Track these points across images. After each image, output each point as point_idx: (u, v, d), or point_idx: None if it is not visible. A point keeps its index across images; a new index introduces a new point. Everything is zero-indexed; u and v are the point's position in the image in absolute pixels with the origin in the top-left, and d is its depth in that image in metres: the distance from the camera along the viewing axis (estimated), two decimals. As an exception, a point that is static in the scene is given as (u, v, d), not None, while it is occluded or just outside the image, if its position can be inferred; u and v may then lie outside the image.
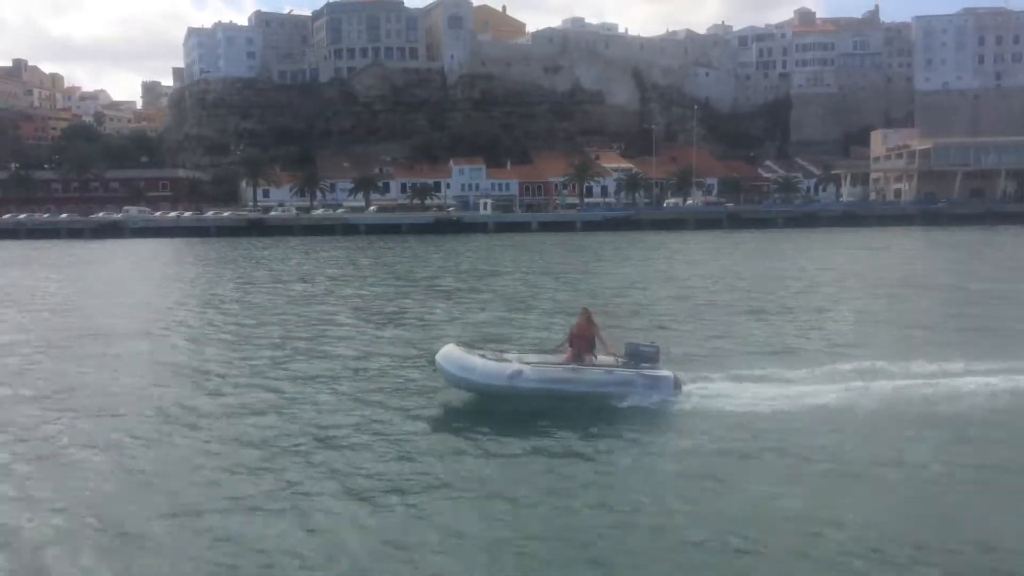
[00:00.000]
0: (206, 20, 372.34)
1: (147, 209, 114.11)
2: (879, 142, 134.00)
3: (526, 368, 14.24)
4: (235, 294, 36.24)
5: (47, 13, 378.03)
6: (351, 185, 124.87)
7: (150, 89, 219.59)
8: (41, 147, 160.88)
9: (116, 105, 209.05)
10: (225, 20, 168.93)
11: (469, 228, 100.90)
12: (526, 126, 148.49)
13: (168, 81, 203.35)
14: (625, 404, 13.99)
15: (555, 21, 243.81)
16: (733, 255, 57.44)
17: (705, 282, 37.64)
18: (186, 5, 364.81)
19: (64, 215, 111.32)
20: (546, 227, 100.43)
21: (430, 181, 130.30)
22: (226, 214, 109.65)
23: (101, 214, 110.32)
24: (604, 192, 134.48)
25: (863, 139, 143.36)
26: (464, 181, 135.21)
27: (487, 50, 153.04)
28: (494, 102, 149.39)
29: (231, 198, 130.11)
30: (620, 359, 14.61)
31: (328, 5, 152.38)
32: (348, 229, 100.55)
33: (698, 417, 13.58)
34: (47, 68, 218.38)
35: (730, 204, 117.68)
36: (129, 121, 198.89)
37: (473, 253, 64.64)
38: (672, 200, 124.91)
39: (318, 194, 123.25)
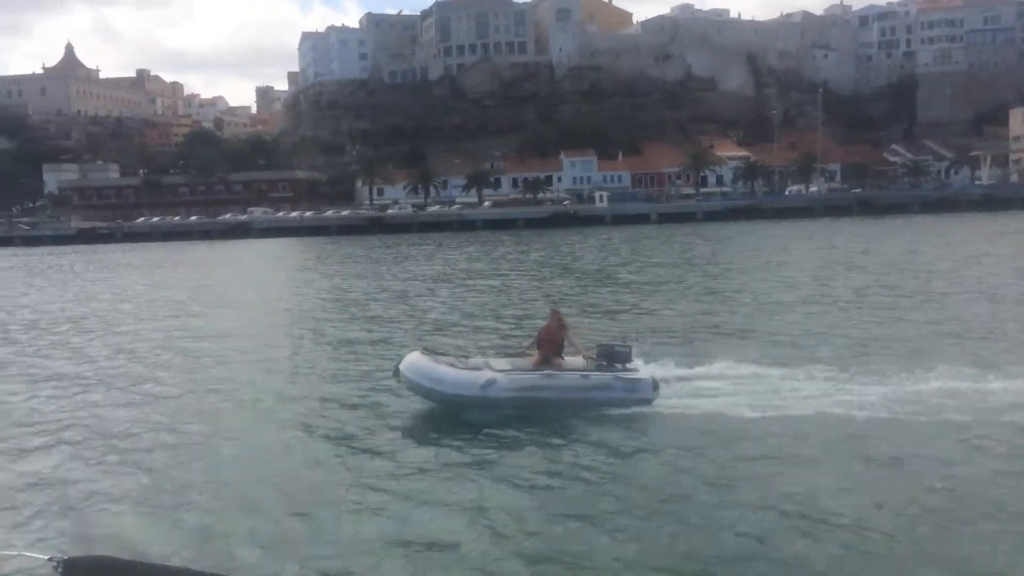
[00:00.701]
0: (313, 25, 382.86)
1: (270, 210, 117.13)
2: (1019, 121, 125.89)
3: (500, 376, 13.30)
4: (419, 288, 35.77)
5: (162, 26, 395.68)
6: (463, 181, 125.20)
7: (263, 94, 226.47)
8: (166, 153, 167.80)
9: (233, 111, 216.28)
10: (332, 23, 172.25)
11: (586, 221, 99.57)
12: (637, 117, 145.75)
13: (280, 85, 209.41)
14: (603, 409, 13.12)
15: (663, 9, 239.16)
16: (899, 241, 53.97)
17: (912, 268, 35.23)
18: (293, 11, 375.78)
19: (193, 217, 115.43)
20: (666, 218, 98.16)
21: (541, 175, 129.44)
22: (345, 213, 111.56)
23: (228, 216, 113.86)
24: (720, 181, 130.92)
25: (997, 118, 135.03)
26: (575, 174, 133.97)
27: (595, 42, 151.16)
28: (603, 93, 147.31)
29: (347, 197, 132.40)
30: (593, 361, 13.76)
31: (437, 4, 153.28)
32: (464, 225, 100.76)
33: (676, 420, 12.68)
34: (166, 78, 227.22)
35: (856, 190, 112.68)
36: (245, 126, 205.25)
37: (617, 244, 63.09)
38: (794, 188, 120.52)
39: (431, 191, 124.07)
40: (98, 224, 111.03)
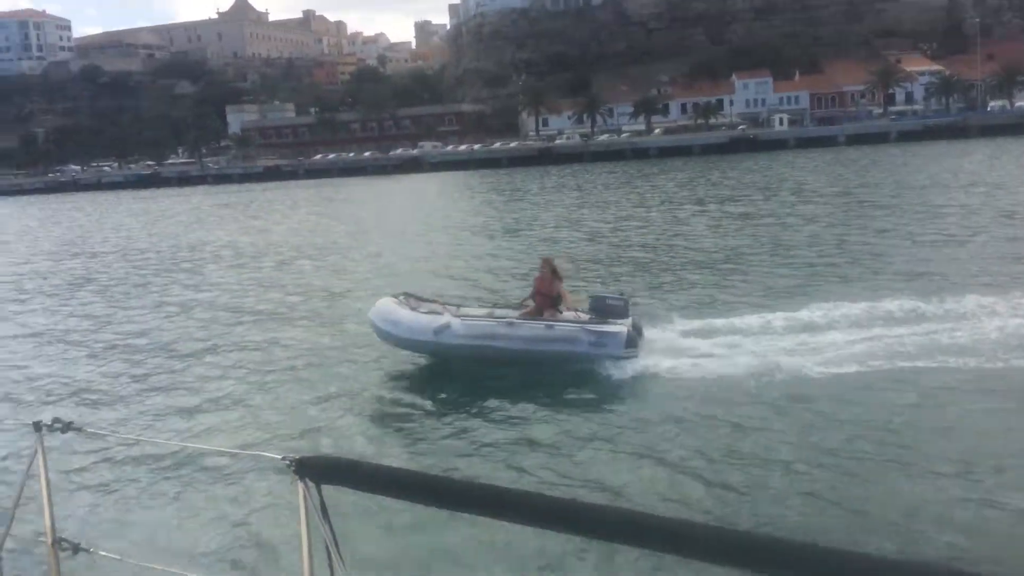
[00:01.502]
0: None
1: (439, 144, 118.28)
2: None
3: (454, 322, 12.38)
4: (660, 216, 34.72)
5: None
6: (630, 109, 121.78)
7: (422, 28, 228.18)
8: (334, 91, 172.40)
9: (394, 47, 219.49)
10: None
11: (766, 146, 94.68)
12: (814, 32, 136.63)
13: (438, 19, 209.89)
14: (569, 363, 11.93)
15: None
16: None
17: None
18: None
19: (367, 153, 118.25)
20: (855, 140, 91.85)
21: (712, 99, 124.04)
22: (513, 145, 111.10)
23: (399, 151, 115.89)
24: (909, 99, 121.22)
25: None
26: (749, 96, 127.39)
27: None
28: (777, 9, 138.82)
29: (511, 129, 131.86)
30: (584, 314, 12.59)
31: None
32: (637, 153, 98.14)
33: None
34: (330, 17, 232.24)
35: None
36: (406, 61, 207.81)
37: (822, 169, 59.55)
38: (995, 103, 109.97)
39: (597, 120, 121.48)
40: (281, 162, 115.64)
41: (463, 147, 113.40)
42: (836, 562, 1.85)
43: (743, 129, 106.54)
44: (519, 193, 57.14)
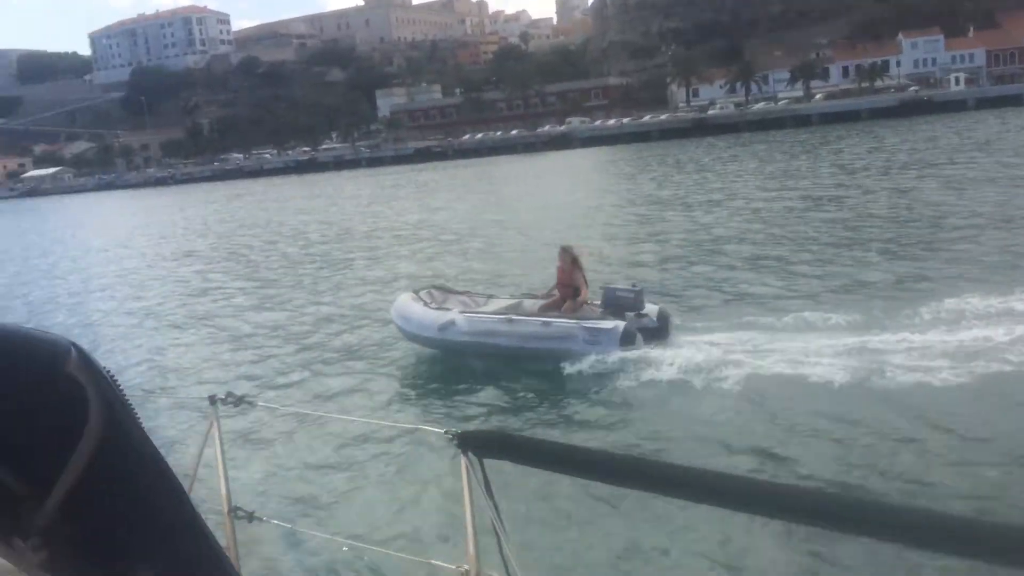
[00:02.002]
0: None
1: (587, 119, 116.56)
2: None
3: (458, 318, 12.59)
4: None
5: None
6: (786, 75, 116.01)
7: (564, 3, 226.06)
8: (478, 71, 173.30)
9: (536, 23, 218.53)
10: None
11: (942, 108, 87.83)
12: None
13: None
14: (566, 362, 11.64)
15: None
16: None
17: None
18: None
19: (514, 131, 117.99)
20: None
21: (877, 60, 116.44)
22: (663, 117, 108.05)
23: (547, 127, 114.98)
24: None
25: None
26: (917, 56, 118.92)
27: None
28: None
29: (659, 101, 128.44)
30: (598, 307, 12.49)
31: None
32: (798, 120, 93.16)
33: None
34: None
35: None
36: (548, 37, 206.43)
37: None
38: None
39: (751, 88, 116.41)
40: (431, 143, 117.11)
41: (611, 121, 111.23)
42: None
43: (915, 91, 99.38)
44: (688, 165, 55.05)
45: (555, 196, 42.04)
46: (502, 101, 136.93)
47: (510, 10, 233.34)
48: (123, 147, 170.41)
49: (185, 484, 3.69)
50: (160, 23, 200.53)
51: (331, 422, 9.92)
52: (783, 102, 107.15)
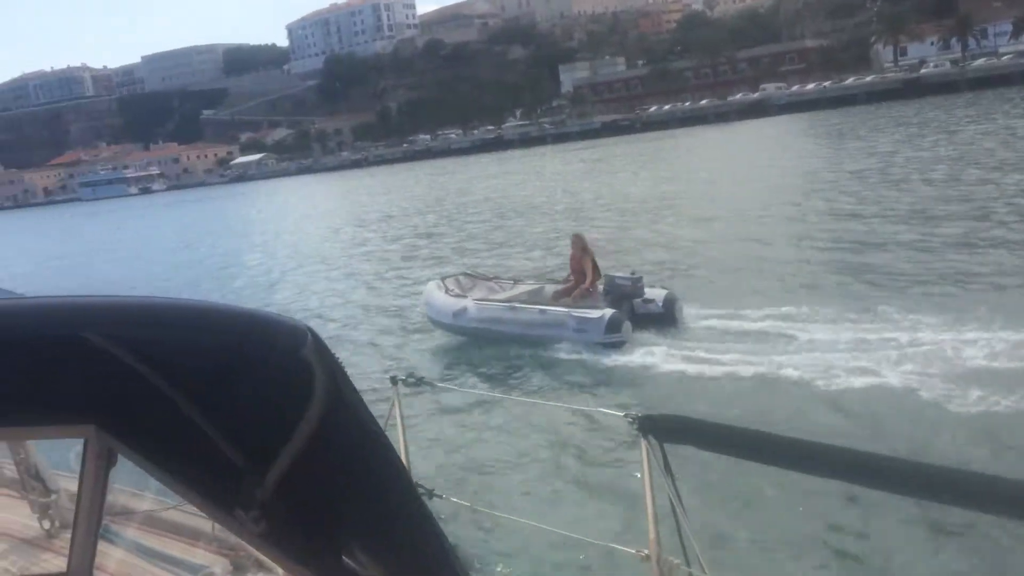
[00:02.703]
0: None
1: (783, 85, 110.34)
2: None
3: (470, 306, 13.59)
4: None
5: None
6: (1008, 27, 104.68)
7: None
8: (661, 41, 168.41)
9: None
10: None
11: None
12: None
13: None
14: (559, 344, 12.51)
15: None
16: None
17: None
18: None
19: (704, 101, 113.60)
20: None
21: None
22: (869, 79, 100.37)
23: (739, 96, 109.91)
24: None
25: None
26: None
27: None
28: None
29: (860, 63, 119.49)
30: (601, 295, 13.19)
31: None
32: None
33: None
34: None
35: None
36: (734, 2, 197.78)
37: None
38: None
39: (969, 43, 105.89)
40: (617, 116, 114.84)
41: (810, 86, 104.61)
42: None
43: None
44: (930, 125, 50.25)
45: (779, 164, 39.17)
46: (689, 70, 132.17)
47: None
48: (319, 132, 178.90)
49: None
50: (351, 11, 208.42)
51: (509, 404, 9.83)
52: (1006, 57, 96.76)
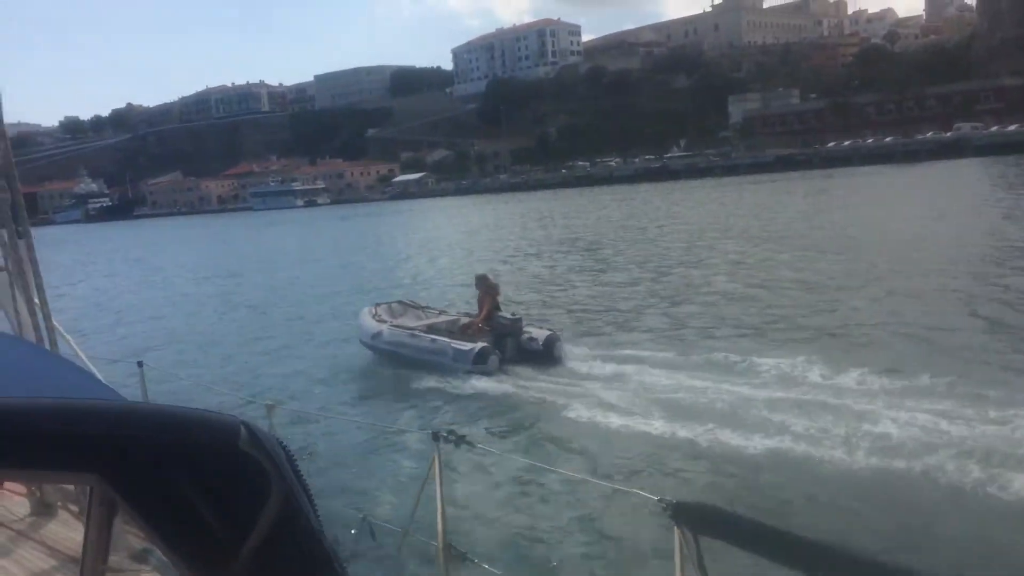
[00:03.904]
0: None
1: (979, 125, 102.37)
2: None
3: (384, 330, 15.98)
4: None
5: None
6: None
7: (933, 1, 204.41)
8: (835, 75, 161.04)
9: (902, 22, 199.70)
10: None
11: None
12: None
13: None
14: (442, 372, 14.40)
15: None
16: None
17: None
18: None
19: (888, 139, 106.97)
20: None
21: None
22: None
23: (929, 134, 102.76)
24: None
25: None
26: None
27: None
28: None
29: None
30: (486, 330, 15.21)
31: None
32: None
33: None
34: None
35: None
36: (916, 37, 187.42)
37: None
38: None
39: None
40: (793, 151, 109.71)
41: (1012, 127, 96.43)
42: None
43: None
44: None
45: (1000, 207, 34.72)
46: (871, 105, 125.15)
47: (873, 8, 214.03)
48: (478, 154, 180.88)
49: (404, 516, 6.44)
50: (516, 36, 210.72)
51: (545, 473, 9.51)
52: None
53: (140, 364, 9.19)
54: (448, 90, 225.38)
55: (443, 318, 16.71)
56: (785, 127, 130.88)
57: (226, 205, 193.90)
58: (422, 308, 17.86)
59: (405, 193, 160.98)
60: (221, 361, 18.81)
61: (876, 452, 9.14)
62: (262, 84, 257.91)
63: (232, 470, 1.20)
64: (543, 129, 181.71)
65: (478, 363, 14.24)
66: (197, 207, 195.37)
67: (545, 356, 14.60)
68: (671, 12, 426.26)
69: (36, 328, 4.30)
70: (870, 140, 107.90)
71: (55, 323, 4.59)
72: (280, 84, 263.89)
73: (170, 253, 65.06)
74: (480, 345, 14.45)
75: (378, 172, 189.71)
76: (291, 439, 9.04)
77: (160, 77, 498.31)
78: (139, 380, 9.05)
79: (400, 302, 18.16)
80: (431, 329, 15.86)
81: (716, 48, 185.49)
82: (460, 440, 4.89)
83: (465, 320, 16.11)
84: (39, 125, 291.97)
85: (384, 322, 16.44)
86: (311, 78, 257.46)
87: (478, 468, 10.04)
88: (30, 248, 4.26)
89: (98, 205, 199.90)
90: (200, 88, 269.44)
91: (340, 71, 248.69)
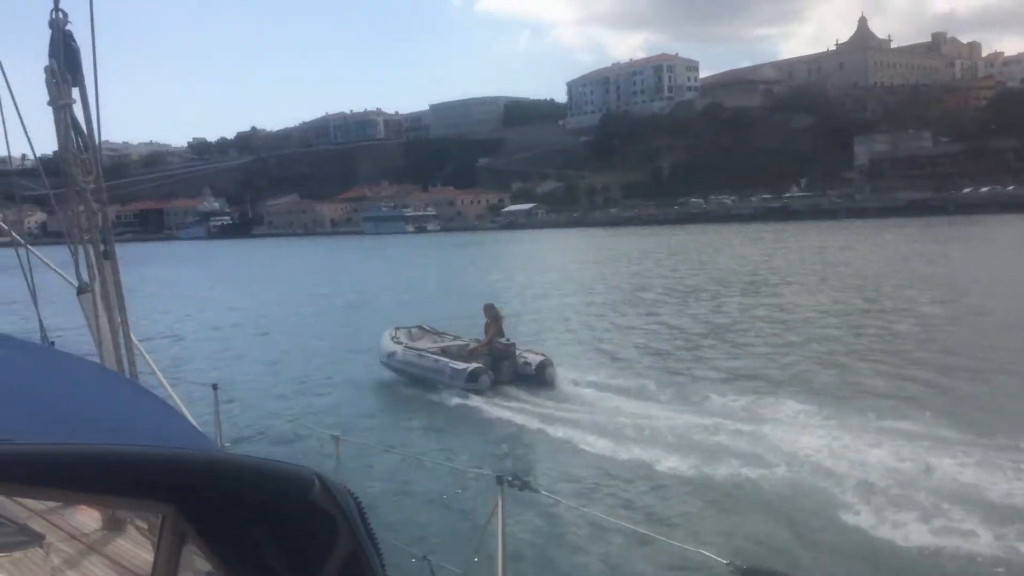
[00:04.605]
0: None
1: None
2: None
3: (399, 350, 18.25)
4: None
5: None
6: None
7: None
8: (971, 118, 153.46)
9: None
10: None
11: None
12: None
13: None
14: (444, 388, 16.60)
15: None
16: None
17: None
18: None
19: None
20: None
21: None
22: None
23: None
24: None
25: None
26: None
27: None
28: None
29: None
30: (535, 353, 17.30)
31: None
32: None
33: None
34: (963, 39, 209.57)
35: None
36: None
37: None
38: None
39: None
40: (927, 195, 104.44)
41: None
42: None
43: None
44: None
45: None
46: (1010, 151, 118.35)
47: (1010, 51, 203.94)
48: (587, 187, 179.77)
49: (465, 557, 6.23)
50: (632, 71, 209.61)
51: (614, 527, 9.09)
52: None
53: (215, 387, 9.51)
54: (560, 122, 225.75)
55: (455, 343, 18.76)
56: (916, 170, 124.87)
57: (338, 228, 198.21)
58: (439, 333, 19.93)
59: (515, 223, 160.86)
60: (298, 381, 19.81)
61: None
62: (379, 112, 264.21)
63: (303, 519, 1.26)
64: (655, 164, 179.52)
65: (470, 382, 16.30)
66: (311, 229, 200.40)
67: (537, 379, 16.58)
68: (786, 52, 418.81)
69: (117, 348, 4.35)
70: (1011, 187, 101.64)
71: (135, 342, 4.60)
72: (396, 112, 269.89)
73: (284, 271, 66.35)
74: (473, 366, 16.56)
75: (488, 201, 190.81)
76: (355, 471, 9.95)
77: (283, 103, 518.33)
78: (213, 403, 9.28)
79: (419, 327, 20.25)
80: (443, 352, 17.93)
81: (840, 88, 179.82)
82: (525, 485, 4.82)
83: (474, 345, 17.98)
84: (169, 145, 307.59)
85: (400, 344, 18.65)
86: (427, 107, 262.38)
87: (542, 514, 9.92)
88: (115, 270, 4.33)
89: (219, 223, 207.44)
90: (320, 114, 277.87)
91: (455, 101, 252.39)
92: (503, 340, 17.33)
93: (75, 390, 2.50)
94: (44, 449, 1.30)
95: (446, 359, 17.16)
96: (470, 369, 16.40)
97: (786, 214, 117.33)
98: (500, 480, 4.73)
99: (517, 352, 17.16)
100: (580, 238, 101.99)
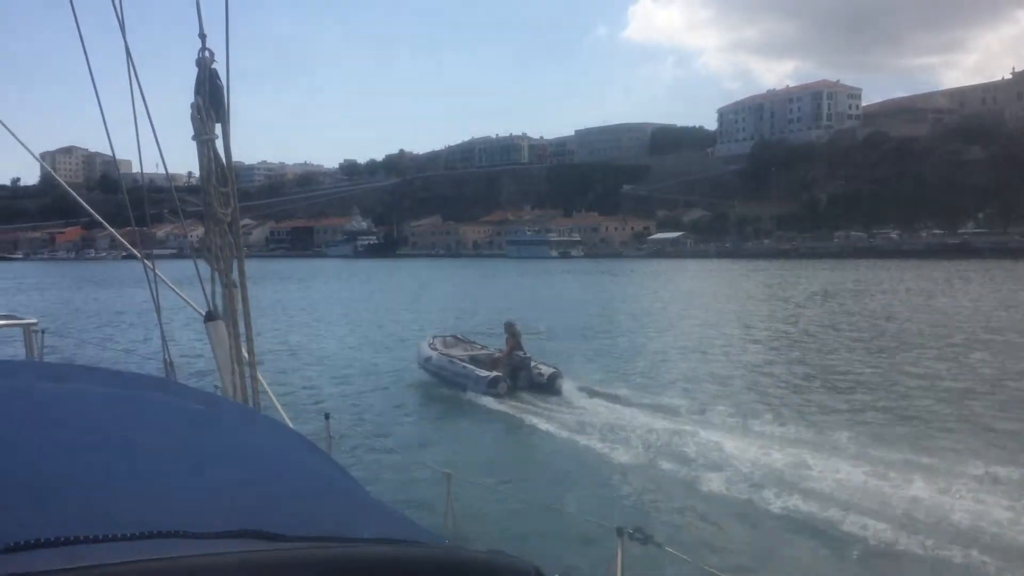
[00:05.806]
0: None
1: None
2: None
3: (434, 356, 21.13)
4: None
5: None
6: None
7: None
8: None
9: None
10: None
11: None
12: None
13: None
14: (467, 391, 19.27)
15: None
16: None
17: None
18: None
19: None
20: None
21: None
22: None
23: None
24: None
25: None
26: None
27: None
28: None
29: None
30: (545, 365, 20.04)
31: None
32: None
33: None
34: None
35: None
36: None
37: None
38: None
39: None
40: None
41: None
42: None
43: None
44: None
45: None
46: None
47: None
48: (737, 216, 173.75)
49: None
50: (788, 97, 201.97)
51: None
52: None
53: (327, 416, 9.55)
54: (709, 150, 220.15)
55: (483, 352, 21.68)
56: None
57: (481, 250, 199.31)
58: (470, 342, 23.21)
59: (661, 252, 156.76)
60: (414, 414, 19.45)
61: None
62: (524, 136, 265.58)
63: None
64: (811, 194, 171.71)
65: (490, 387, 18.93)
66: (454, 250, 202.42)
67: (547, 388, 19.16)
68: (947, 83, 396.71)
69: (241, 376, 4.33)
70: None
71: (259, 377, 4.54)
72: (541, 137, 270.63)
73: (432, 290, 66.88)
74: (493, 374, 19.28)
75: (633, 228, 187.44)
76: (466, 508, 9.57)
77: (431, 127, 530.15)
78: (325, 432, 9.19)
79: (454, 336, 23.82)
80: (471, 359, 20.82)
81: (1019, 118, 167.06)
82: (647, 540, 4.65)
83: (497, 355, 20.55)
84: (322, 166, 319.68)
85: (436, 350, 21.60)
86: (572, 132, 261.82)
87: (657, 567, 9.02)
88: (245, 300, 4.31)
89: (366, 242, 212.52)
90: (466, 138, 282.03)
91: (601, 127, 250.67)
92: (520, 353, 19.98)
93: (265, 456, 2.24)
94: (312, 553, 1.26)
95: (472, 367, 19.99)
96: (491, 377, 19.15)
97: (964, 251, 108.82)
98: (620, 532, 4.50)
99: (532, 364, 19.77)
100: (741, 271, 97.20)
